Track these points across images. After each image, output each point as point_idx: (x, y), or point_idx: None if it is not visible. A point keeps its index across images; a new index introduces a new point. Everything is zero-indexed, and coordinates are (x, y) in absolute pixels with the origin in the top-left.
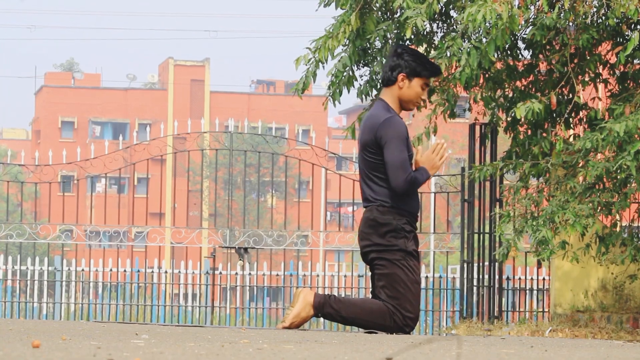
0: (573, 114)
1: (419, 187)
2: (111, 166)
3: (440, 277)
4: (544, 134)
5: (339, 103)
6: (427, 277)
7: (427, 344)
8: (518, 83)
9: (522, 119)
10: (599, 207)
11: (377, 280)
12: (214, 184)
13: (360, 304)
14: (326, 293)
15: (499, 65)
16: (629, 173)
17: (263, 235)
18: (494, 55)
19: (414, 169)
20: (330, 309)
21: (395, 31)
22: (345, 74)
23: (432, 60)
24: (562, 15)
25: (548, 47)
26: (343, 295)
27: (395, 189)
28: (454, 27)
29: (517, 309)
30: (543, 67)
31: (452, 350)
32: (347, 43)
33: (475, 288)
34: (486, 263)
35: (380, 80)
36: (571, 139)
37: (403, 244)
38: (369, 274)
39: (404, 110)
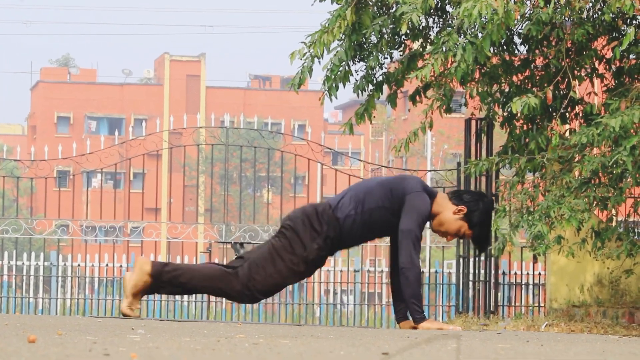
0: (569, 109)
1: (412, 275)
2: (107, 161)
3: (436, 272)
4: (540, 128)
5: (335, 98)
6: (423, 272)
7: (424, 339)
8: (514, 78)
9: (518, 114)
10: (595, 202)
11: (258, 249)
12: (209, 179)
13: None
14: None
15: (494, 60)
16: (625, 168)
17: (259, 230)
18: (489, 50)
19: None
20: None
21: (391, 26)
22: (341, 69)
23: (489, 239)
24: (558, 10)
25: (544, 42)
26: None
27: (409, 238)
28: (450, 22)
29: (513, 304)
30: (539, 62)
31: (448, 345)
32: (342, 38)
33: (471, 283)
34: (482, 258)
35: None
36: (567, 134)
37: (312, 249)
38: (365, 269)
39: (430, 225)
